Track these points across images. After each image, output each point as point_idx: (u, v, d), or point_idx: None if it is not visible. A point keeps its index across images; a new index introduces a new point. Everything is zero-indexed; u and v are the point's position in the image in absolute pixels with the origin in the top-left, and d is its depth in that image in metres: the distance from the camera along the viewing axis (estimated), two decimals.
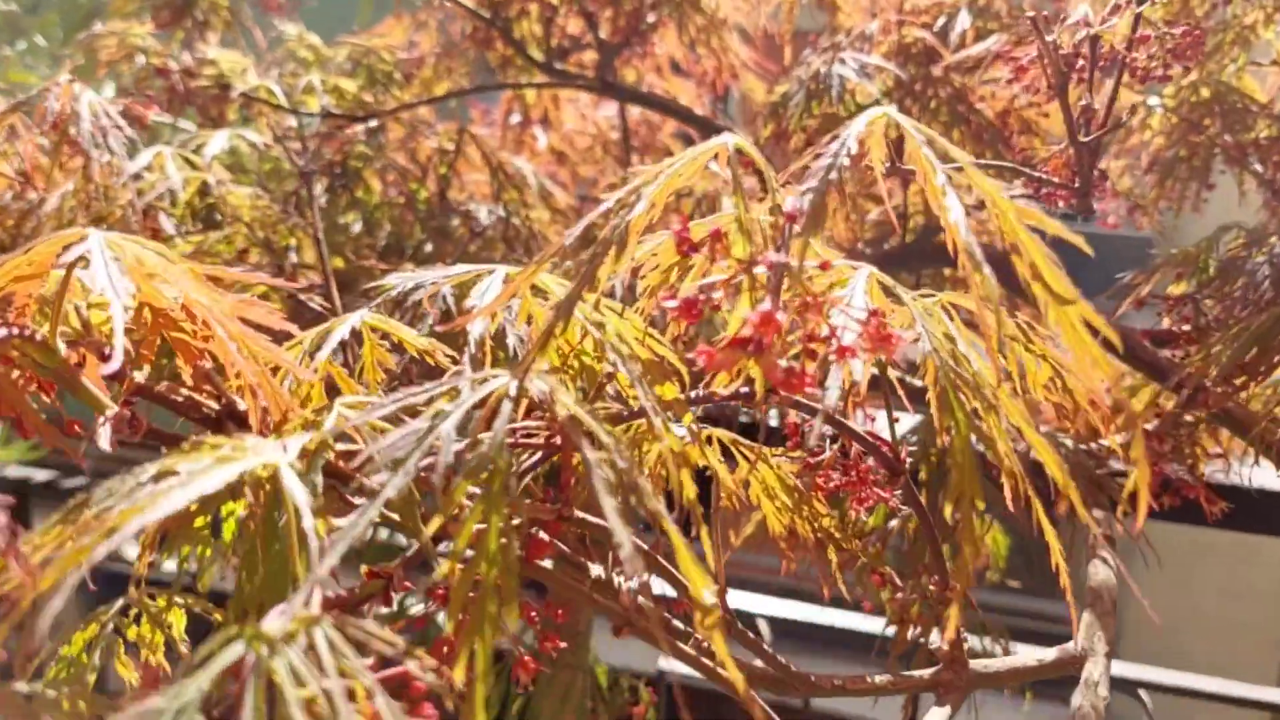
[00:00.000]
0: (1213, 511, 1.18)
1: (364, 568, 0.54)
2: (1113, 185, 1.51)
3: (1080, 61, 0.95)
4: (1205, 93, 1.36)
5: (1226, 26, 1.48)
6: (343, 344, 0.67)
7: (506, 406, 0.49)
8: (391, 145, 1.48)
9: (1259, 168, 1.31)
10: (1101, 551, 1.00)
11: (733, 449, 0.95)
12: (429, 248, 1.41)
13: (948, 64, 1.31)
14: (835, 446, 0.96)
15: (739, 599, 1.80)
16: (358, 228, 1.34)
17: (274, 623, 0.38)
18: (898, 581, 0.92)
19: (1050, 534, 0.59)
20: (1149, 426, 1.15)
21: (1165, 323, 1.21)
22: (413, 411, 0.50)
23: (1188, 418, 1.16)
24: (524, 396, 0.50)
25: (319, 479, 0.51)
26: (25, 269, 0.53)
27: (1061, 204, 0.98)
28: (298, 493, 0.46)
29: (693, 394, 0.71)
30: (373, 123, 1.39)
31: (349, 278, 1.20)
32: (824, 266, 0.51)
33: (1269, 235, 1.10)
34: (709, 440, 0.95)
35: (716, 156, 0.56)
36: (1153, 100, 1.30)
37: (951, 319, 0.67)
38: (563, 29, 1.49)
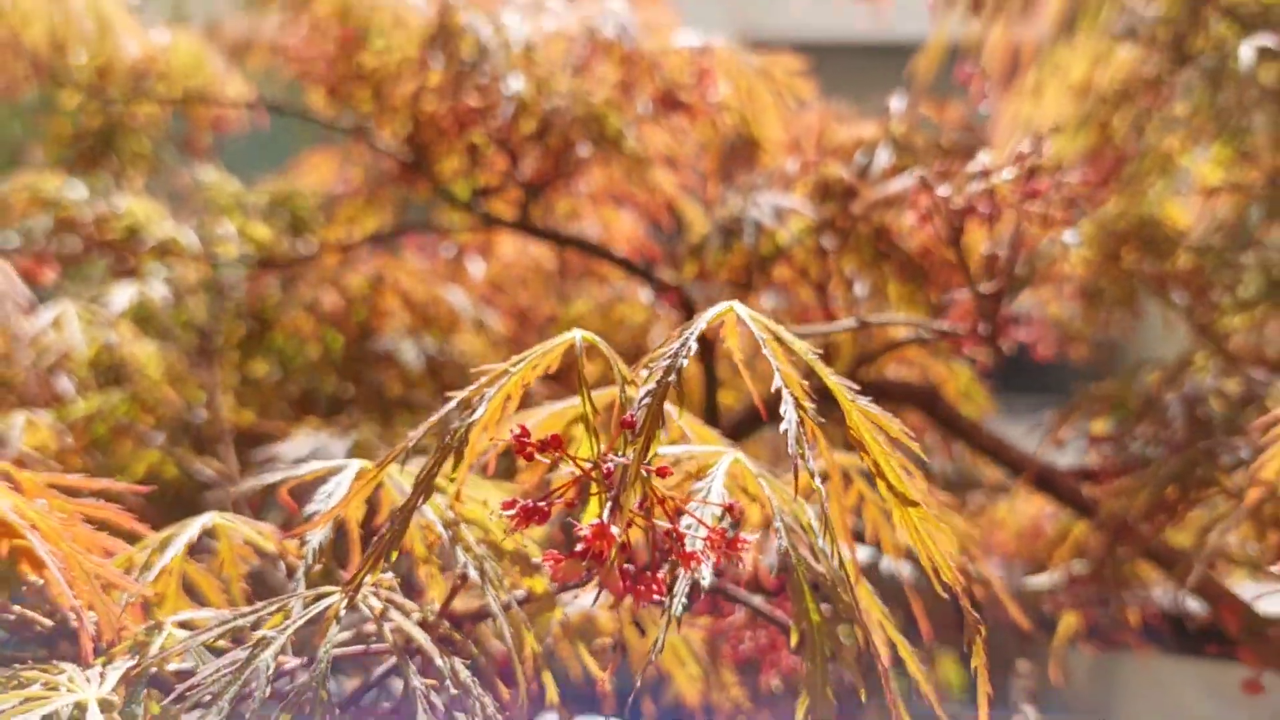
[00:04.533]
0: (1142, 652, 1.16)
1: None
2: (1041, 314, 1.51)
3: (980, 207, 0.95)
4: (1123, 225, 1.37)
5: (1145, 154, 1.49)
6: (206, 531, 0.65)
7: (334, 631, 0.46)
8: (317, 276, 1.46)
9: (1178, 298, 1.31)
10: (1025, 707, 0.97)
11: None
12: (353, 390, 1.39)
13: (868, 202, 1.31)
14: (746, 610, 0.93)
15: None
16: (275, 376, 1.32)
17: None
18: None
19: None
20: (1077, 569, 1.13)
21: (1091, 458, 1.20)
22: (243, 634, 0.48)
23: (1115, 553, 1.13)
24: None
25: (139, 710, 0.48)
26: None
27: (967, 350, 0.97)
28: None
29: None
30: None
31: (260, 433, 1.17)
32: (661, 473, 0.49)
33: (1183, 371, 1.09)
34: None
35: (570, 349, 0.54)
36: (1069, 236, 1.31)
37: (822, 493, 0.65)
38: (488, 168, 1.50)
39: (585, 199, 1.70)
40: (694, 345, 0.50)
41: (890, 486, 0.48)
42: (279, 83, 1.81)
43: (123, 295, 1.20)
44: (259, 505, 0.96)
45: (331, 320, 1.35)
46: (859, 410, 0.49)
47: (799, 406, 0.48)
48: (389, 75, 1.38)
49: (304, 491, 0.76)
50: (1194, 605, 1.18)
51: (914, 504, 0.48)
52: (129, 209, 1.34)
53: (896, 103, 1.38)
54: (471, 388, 0.52)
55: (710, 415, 1.36)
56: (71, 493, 0.56)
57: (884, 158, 1.34)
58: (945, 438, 1.41)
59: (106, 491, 0.60)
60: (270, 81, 1.83)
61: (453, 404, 0.51)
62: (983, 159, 0.99)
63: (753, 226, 1.22)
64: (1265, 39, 1.27)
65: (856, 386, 0.51)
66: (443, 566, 0.66)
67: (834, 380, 0.51)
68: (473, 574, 0.54)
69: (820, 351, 0.55)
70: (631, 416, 0.48)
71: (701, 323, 0.51)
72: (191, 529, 0.60)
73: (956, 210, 0.90)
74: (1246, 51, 1.26)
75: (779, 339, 0.51)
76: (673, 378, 0.49)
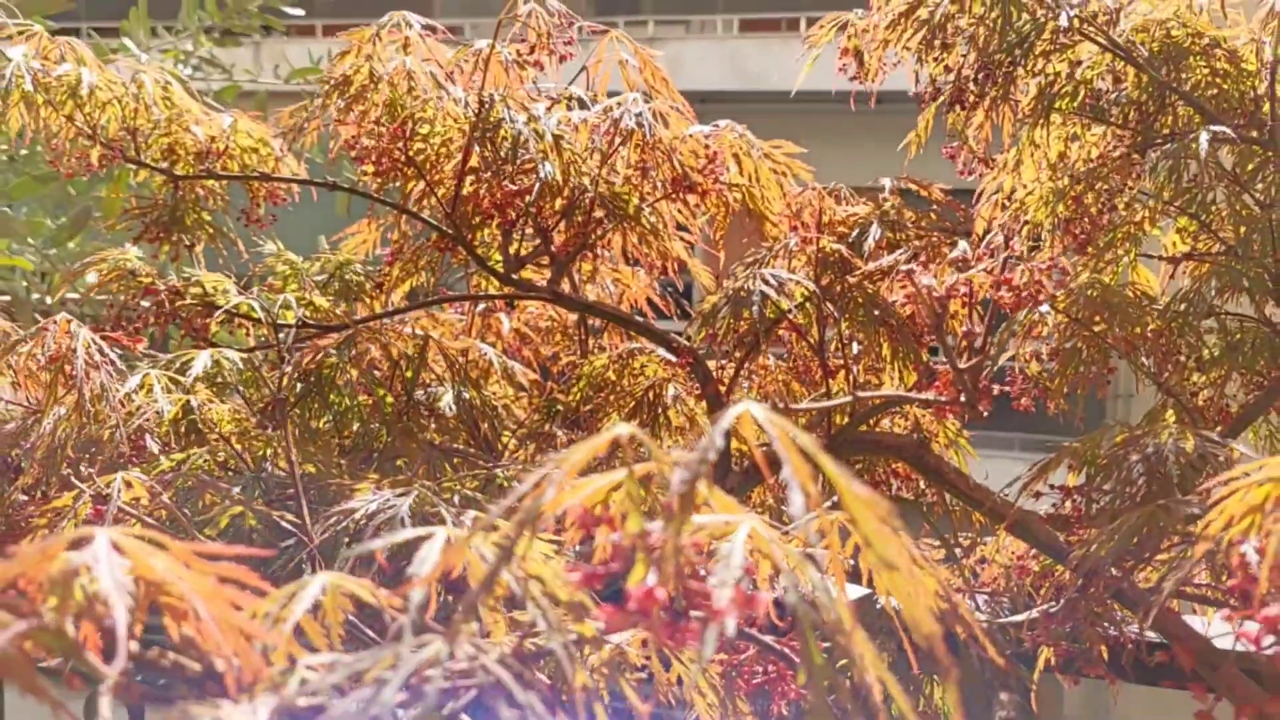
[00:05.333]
0: (1114, 687, 1.29)
1: None
2: (1021, 371, 1.65)
3: (959, 290, 1.09)
4: (1094, 294, 1.51)
5: (1116, 227, 1.63)
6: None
7: (437, 673, 0.60)
8: (368, 337, 1.61)
9: (1147, 361, 1.45)
10: None
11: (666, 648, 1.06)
12: (401, 442, 1.53)
13: (861, 272, 1.46)
14: (757, 646, 1.06)
15: None
16: (329, 427, 1.46)
17: None
18: None
19: None
20: (1051, 608, 1.26)
21: (1066, 508, 1.33)
22: (361, 675, 0.61)
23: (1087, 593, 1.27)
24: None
25: None
26: (37, 562, 0.64)
27: (953, 415, 1.11)
28: None
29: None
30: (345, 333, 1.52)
31: (320, 483, 1.30)
32: (696, 547, 0.63)
33: (1146, 435, 1.22)
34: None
35: (614, 442, 0.67)
36: (1043, 308, 1.45)
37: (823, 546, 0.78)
38: (520, 239, 1.64)
39: (605, 260, 1.85)
40: (721, 443, 0.64)
41: (877, 554, 0.62)
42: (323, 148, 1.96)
43: (199, 362, 1.34)
44: (329, 555, 1.10)
45: (380, 378, 1.49)
46: (852, 494, 0.63)
47: (805, 493, 0.62)
48: (432, 159, 1.53)
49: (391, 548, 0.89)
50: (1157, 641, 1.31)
51: (895, 569, 0.61)
52: (201, 278, 1.48)
53: (888, 181, 1.53)
54: (539, 474, 0.66)
55: (724, 462, 1.49)
56: (209, 557, 0.70)
57: (875, 233, 1.49)
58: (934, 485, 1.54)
59: (233, 554, 0.74)
60: (317, 148, 1.99)
61: (525, 486, 0.65)
62: (962, 246, 1.13)
63: (758, 297, 1.36)
64: (1220, 126, 1.41)
65: (850, 471, 0.64)
66: (503, 612, 0.80)
67: (833, 468, 0.64)
68: (540, 623, 0.67)
69: (815, 442, 0.68)
70: (670, 502, 0.62)
71: (726, 422, 0.65)
72: (313, 587, 0.73)
73: (939, 297, 1.04)
74: (1204, 137, 1.40)
75: (787, 434, 0.65)
76: (703, 468, 0.63)
